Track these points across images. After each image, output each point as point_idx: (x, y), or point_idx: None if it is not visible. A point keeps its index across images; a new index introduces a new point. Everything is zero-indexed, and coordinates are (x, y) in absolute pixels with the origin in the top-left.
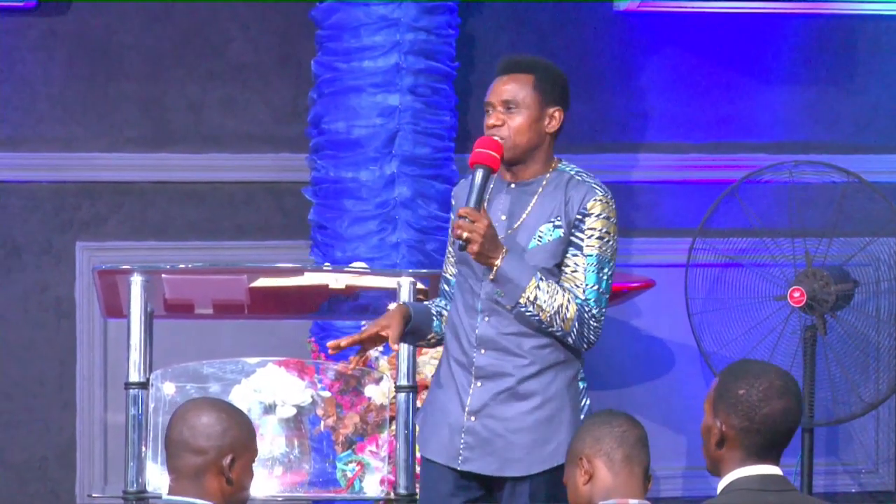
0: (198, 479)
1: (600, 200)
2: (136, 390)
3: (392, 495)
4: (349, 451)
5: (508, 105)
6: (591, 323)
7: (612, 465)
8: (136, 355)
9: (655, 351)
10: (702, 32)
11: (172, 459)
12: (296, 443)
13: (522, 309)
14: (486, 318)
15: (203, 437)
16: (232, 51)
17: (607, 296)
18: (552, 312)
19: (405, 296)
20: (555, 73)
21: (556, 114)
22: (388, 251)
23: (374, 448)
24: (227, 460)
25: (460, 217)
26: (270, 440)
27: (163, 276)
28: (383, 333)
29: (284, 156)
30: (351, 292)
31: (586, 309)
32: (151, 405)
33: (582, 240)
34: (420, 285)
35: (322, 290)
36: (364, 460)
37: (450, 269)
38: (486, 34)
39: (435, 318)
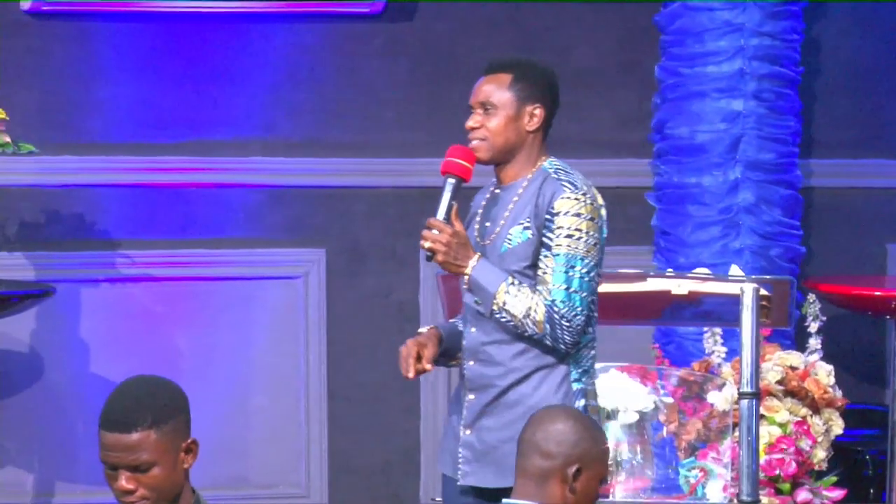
0: (542, 482)
1: (568, 198)
2: None
3: (735, 502)
4: (692, 458)
5: (486, 106)
6: (563, 323)
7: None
8: None
9: None
10: None
11: (521, 459)
12: (638, 448)
13: (498, 315)
14: (472, 329)
15: (554, 442)
16: (575, 56)
17: (582, 294)
18: (521, 316)
19: (748, 302)
20: (535, 70)
21: (537, 111)
22: (732, 257)
23: (716, 454)
24: (572, 469)
25: (426, 227)
26: (613, 445)
27: None
28: (421, 352)
29: (628, 161)
30: (694, 298)
31: (555, 310)
32: None
33: (551, 239)
34: (763, 291)
35: (664, 295)
36: (707, 466)
37: None
38: (832, 39)
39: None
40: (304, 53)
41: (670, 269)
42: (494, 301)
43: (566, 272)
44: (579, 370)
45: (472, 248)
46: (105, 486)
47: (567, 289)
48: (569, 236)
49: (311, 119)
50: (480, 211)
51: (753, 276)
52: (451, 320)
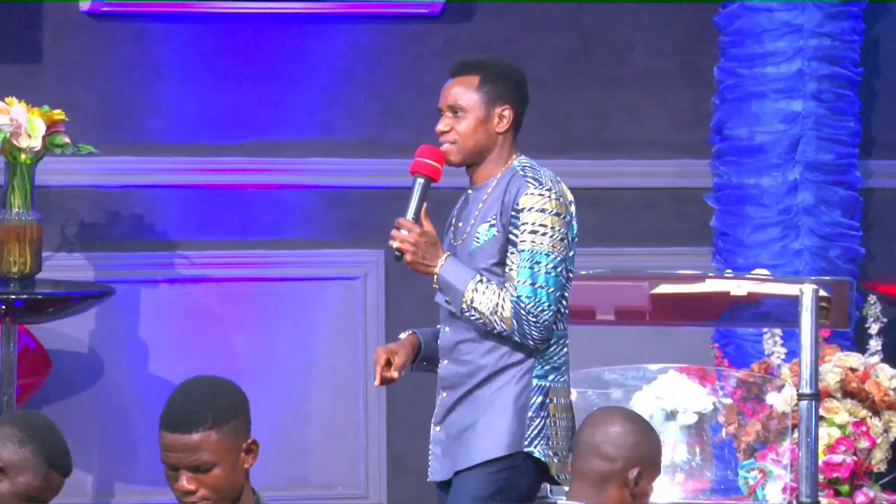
0: (601, 485)
1: (532, 194)
2: None
3: (794, 503)
4: (751, 459)
5: (454, 109)
6: (530, 319)
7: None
8: None
9: None
10: None
11: (579, 461)
12: (697, 450)
13: (467, 314)
14: (447, 329)
15: (613, 445)
16: (634, 57)
17: (549, 289)
18: (489, 313)
19: (808, 303)
20: (503, 70)
21: (506, 112)
22: (791, 258)
23: (775, 456)
24: (633, 473)
25: (395, 227)
26: (672, 447)
27: None
28: (391, 359)
29: (686, 162)
30: (753, 299)
31: (521, 306)
32: None
33: (517, 236)
34: (823, 292)
35: (723, 297)
36: (766, 468)
37: None
38: (892, 39)
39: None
40: (363, 54)
41: (729, 270)
42: (463, 299)
43: (531, 268)
44: (546, 367)
45: (441, 248)
46: (165, 487)
47: (532, 284)
48: (533, 232)
49: (370, 120)
50: (455, 212)
51: (813, 278)
52: (439, 325)
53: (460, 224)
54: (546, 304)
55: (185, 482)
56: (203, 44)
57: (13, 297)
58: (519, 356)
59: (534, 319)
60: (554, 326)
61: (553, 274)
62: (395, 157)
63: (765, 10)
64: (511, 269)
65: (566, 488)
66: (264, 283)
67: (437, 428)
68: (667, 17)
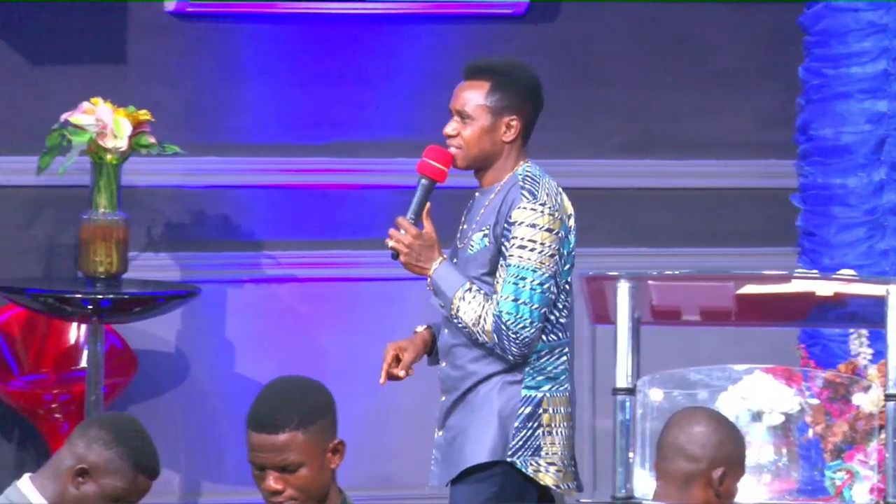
0: (686, 486)
1: (524, 208)
2: (624, 396)
3: None
4: (838, 460)
5: (462, 115)
6: (510, 335)
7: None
8: (623, 361)
9: None
10: None
11: (663, 462)
12: (784, 451)
13: (455, 321)
14: (445, 330)
15: (698, 445)
16: (718, 57)
17: (533, 306)
18: (472, 324)
19: (894, 304)
20: (515, 78)
21: (514, 123)
22: (877, 258)
23: (862, 457)
24: (717, 473)
25: (394, 226)
26: (758, 448)
27: (649, 282)
28: (400, 356)
29: (770, 162)
30: (839, 300)
31: (502, 321)
32: (639, 411)
33: (507, 249)
34: None
35: (809, 297)
36: (853, 469)
37: None
38: None
39: None
40: (448, 54)
41: (815, 271)
42: (451, 306)
43: (515, 283)
44: (539, 377)
45: (438, 250)
46: (251, 486)
47: (515, 300)
48: (521, 247)
49: None
50: (464, 214)
51: None
52: None
53: (464, 226)
54: (528, 320)
55: (273, 482)
56: (288, 44)
57: (100, 297)
58: (505, 364)
59: (513, 335)
60: (543, 338)
61: (539, 290)
62: None
63: (850, 11)
64: (497, 283)
65: (578, 497)
66: (349, 283)
67: (440, 432)
68: (751, 17)
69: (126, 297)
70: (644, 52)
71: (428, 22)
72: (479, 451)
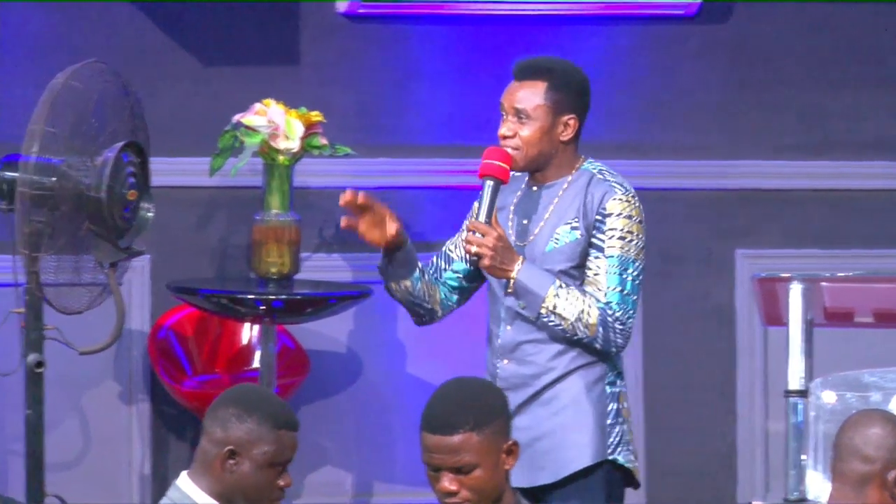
0: (861, 487)
1: (619, 199)
2: (796, 398)
3: None
4: None
5: (519, 115)
6: (616, 326)
7: None
8: (795, 363)
9: None
10: None
11: (839, 463)
12: None
13: (545, 319)
14: (508, 327)
15: (873, 446)
16: (892, 57)
17: (634, 297)
18: (573, 319)
19: None
20: (570, 77)
21: (571, 121)
22: None
23: None
24: (892, 474)
25: (469, 231)
26: None
27: (822, 283)
28: (387, 219)
29: None
30: None
31: (609, 313)
32: (812, 413)
33: (603, 241)
34: None
35: None
36: None
37: (450, 247)
38: None
39: (417, 270)
40: (619, 55)
41: None
42: (543, 305)
43: (620, 274)
44: (614, 372)
45: (515, 250)
46: (424, 486)
47: (622, 291)
48: (621, 238)
49: (629, 121)
50: (513, 208)
51: None
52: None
53: (525, 221)
54: (632, 311)
55: (447, 483)
56: (459, 45)
57: (272, 297)
58: (590, 358)
59: (620, 327)
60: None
61: (637, 282)
62: (656, 159)
63: None
64: (598, 275)
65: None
66: None
67: None
68: None
69: (298, 297)
70: (818, 53)
71: (599, 23)
72: (583, 454)
